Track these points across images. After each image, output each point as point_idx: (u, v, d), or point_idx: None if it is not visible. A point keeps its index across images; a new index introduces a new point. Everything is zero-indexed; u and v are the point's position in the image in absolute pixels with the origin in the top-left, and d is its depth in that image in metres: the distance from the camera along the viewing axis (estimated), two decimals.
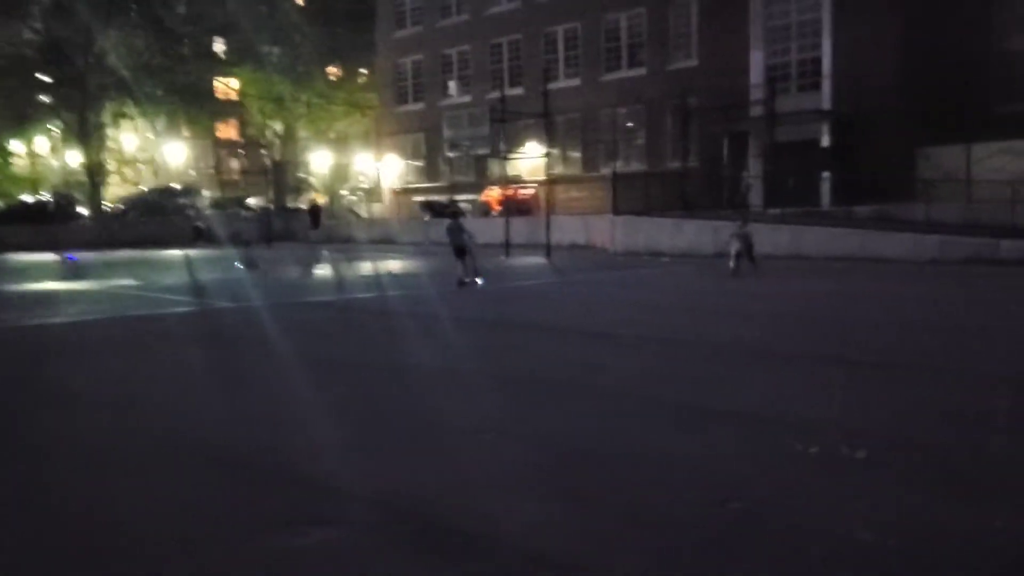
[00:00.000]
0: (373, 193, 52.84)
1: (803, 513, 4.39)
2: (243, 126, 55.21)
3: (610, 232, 27.93)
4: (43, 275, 23.31)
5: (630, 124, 37.90)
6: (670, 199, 29.97)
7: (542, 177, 40.62)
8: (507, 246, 26.85)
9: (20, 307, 15.20)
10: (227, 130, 59.80)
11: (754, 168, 31.12)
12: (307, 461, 5.47)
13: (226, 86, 55.28)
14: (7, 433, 6.51)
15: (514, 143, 33.42)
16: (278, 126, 53.38)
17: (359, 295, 16.49)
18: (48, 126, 45.13)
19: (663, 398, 7.09)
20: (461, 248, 17.20)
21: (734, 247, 18.15)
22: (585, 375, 8.18)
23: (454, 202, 42.27)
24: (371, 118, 55.48)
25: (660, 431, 6.06)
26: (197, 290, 16.94)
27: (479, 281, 17.19)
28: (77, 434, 6.40)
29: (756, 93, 31.62)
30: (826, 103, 30.18)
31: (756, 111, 31.40)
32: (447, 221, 18.88)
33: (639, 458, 5.40)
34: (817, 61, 30.64)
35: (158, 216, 43.86)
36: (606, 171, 39.30)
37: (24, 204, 43.87)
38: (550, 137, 27.66)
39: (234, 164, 54.03)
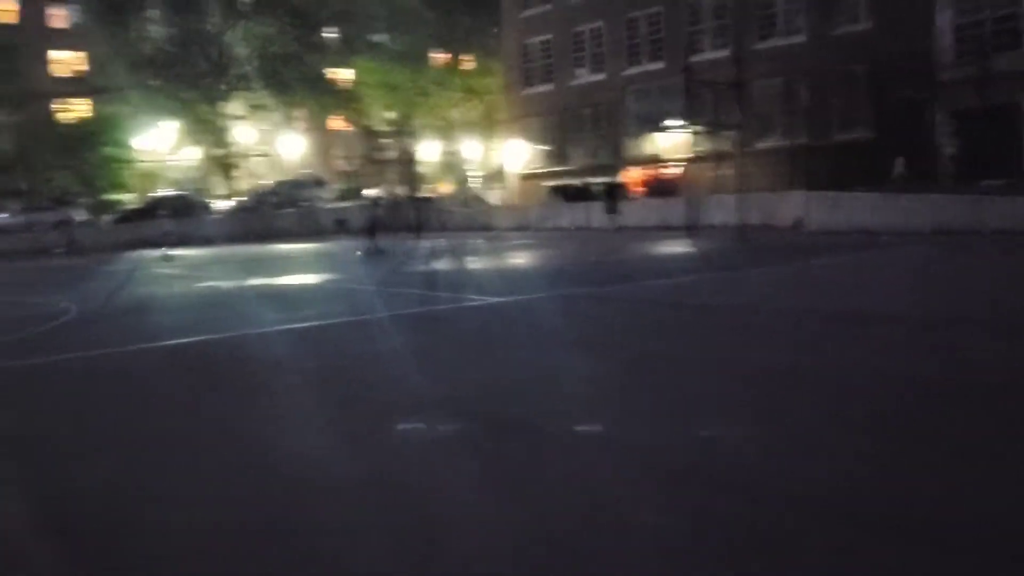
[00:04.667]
0: (495, 179, 51.36)
1: None
2: (359, 115, 54.21)
3: (803, 210, 25.87)
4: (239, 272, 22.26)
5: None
6: (843, 173, 27.68)
7: (686, 155, 38.64)
8: (694, 228, 24.95)
9: (281, 306, 13.64)
10: (339, 121, 58.99)
11: (945, 137, 28.69)
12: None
13: (335, 76, 54.52)
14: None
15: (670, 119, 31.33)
16: (393, 115, 52.34)
17: (606, 286, 14.72)
18: (178, 120, 44.41)
19: None
20: None
21: None
22: None
23: (588, 185, 40.52)
24: (488, 103, 53.88)
25: None
26: (428, 283, 15.46)
27: None
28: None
29: (945, 57, 29.09)
30: None
31: (947, 75, 28.88)
32: None
33: None
34: (1015, 18, 27.96)
35: (290, 208, 43.10)
36: (761, 146, 37.04)
37: (159, 199, 43.24)
38: (741, 108, 25.56)
39: (349, 155, 53.18)
